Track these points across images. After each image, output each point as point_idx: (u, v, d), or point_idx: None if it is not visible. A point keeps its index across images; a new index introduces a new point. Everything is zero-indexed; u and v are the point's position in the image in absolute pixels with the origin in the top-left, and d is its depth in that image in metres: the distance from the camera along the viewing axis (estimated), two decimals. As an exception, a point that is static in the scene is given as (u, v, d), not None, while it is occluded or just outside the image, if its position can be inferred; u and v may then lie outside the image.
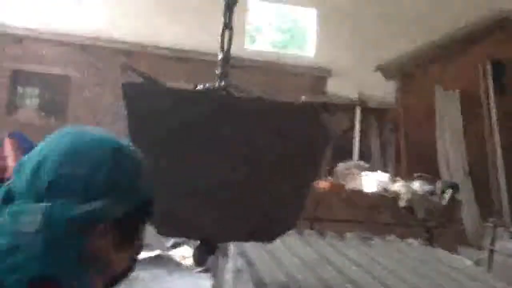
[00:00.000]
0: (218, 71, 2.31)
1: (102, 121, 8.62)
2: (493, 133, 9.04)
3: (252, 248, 2.87)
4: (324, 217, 4.96)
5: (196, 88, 2.33)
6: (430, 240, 3.39)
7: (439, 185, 5.67)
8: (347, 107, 9.12)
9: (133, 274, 3.73)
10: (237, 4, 2.42)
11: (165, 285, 5.09)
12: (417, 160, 8.72)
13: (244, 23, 9.17)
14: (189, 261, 5.46)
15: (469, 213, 7.60)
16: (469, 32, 9.53)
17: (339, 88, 9.27)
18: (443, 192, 5.47)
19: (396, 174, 7.93)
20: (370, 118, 9.22)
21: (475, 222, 7.39)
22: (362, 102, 9.14)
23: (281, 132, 2.03)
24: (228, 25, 2.32)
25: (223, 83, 2.33)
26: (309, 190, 2.27)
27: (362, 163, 8.11)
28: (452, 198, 5.44)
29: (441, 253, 3.23)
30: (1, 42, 8.34)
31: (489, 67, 9.44)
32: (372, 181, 6.70)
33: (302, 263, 2.70)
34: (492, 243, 3.80)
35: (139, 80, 2.60)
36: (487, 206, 8.35)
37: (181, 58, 8.88)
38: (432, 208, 5.31)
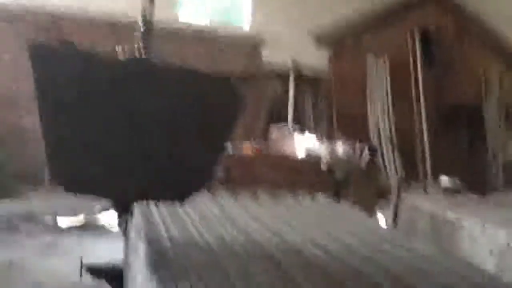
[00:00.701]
0: (138, 39, 2.34)
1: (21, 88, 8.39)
2: (419, 100, 9.42)
3: (156, 208, 2.93)
4: (247, 180, 5.07)
5: (115, 51, 2.33)
6: (338, 196, 3.56)
7: (357, 147, 5.91)
8: (281, 75, 9.25)
9: (53, 239, 3.72)
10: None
11: (87, 248, 5.10)
12: (348, 127, 8.99)
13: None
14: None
15: (391, 174, 7.99)
16: (401, 1, 9.78)
17: (273, 57, 9.35)
18: (361, 154, 5.71)
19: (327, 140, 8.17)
20: (304, 86, 9.39)
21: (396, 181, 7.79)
22: (296, 70, 9.28)
23: (193, 99, 2.07)
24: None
25: (142, 50, 2.35)
26: (221, 154, 2.33)
27: (293, 126, 8.33)
28: (371, 160, 5.70)
29: (343, 207, 3.41)
30: None
31: (417, 36, 9.74)
32: (300, 144, 6.89)
33: (203, 221, 2.78)
34: (398, 197, 4.03)
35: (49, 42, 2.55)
36: (411, 169, 8.81)
37: (111, 24, 8.66)
38: (351, 169, 5.55)
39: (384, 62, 9.57)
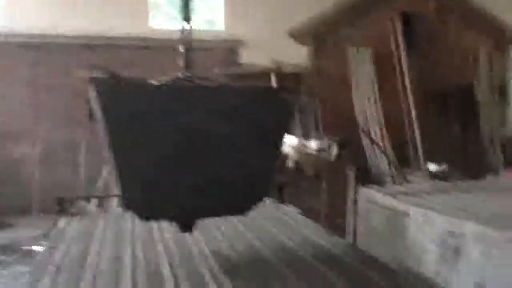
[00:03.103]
0: (181, 63, 2.50)
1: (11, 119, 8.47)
2: (405, 87, 9.22)
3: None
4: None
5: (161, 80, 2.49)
6: (281, 197, 3.45)
7: (325, 142, 5.76)
8: (262, 75, 9.13)
9: (25, 269, 3.66)
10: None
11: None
12: (335, 121, 8.84)
13: (147, 1, 9.04)
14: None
15: (382, 165, 7.81)
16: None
17: (252, 57, 9.27)
18: (329, 148, 5.55)
19: (315, 137, 8.02)
20: (286, 84, 9.25)
21: (387, 173, 7.60)
22: (277, 69, 9.15)
23: (246, 113, 2.18)
24: (187, 19, 2.52)
25: (186, 74, 2.53)
26: (275, 164, 2.40)
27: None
28: (339, 154, 5.53)
29: (283, 208, 3.30)
30: None
31: (399, 23, 9.55)
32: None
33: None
34: (355, 192, 3.87)
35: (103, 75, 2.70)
36: (404, 157, 8.63)
37: (87, 45, 8.69)
38: (320, 165, 5.39)
39: (367, 52, 9.41)
